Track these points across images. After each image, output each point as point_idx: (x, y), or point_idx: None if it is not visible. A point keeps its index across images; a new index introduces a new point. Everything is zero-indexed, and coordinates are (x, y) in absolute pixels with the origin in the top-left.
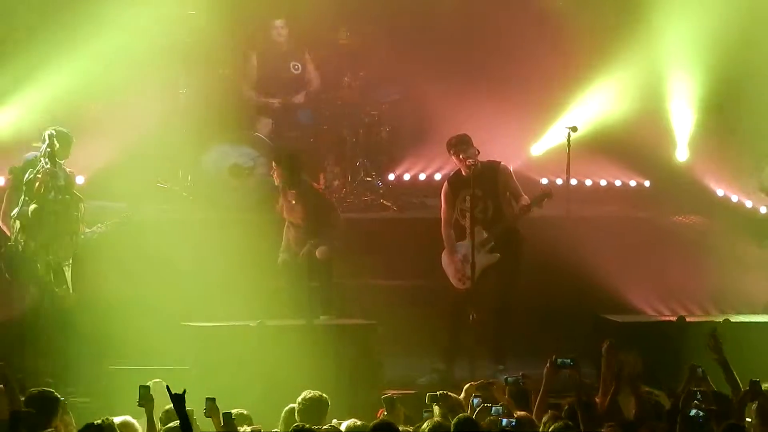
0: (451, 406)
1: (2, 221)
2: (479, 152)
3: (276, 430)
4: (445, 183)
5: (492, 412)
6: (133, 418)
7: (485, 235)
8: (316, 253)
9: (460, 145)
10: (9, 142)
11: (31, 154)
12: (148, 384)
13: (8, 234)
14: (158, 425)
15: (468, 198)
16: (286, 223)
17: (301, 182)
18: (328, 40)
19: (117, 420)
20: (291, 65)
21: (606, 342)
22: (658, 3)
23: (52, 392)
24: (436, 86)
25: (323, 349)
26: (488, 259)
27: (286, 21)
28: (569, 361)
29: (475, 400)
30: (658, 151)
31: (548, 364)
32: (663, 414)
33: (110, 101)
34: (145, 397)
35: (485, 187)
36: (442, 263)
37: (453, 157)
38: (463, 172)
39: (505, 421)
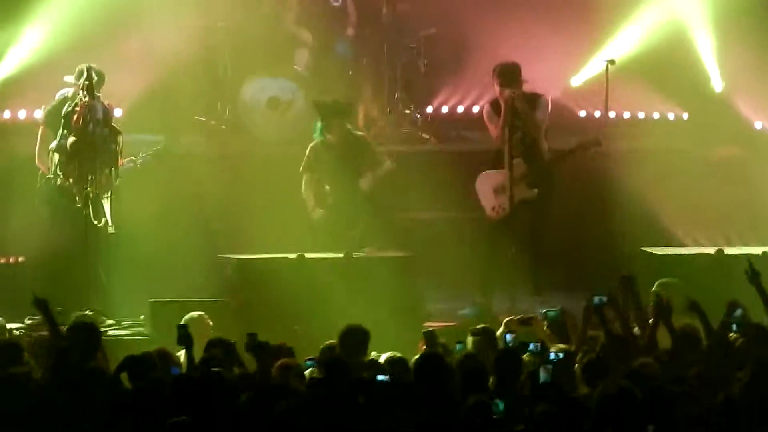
0: (489, 341)
1: (39, 158)
2: (523, 84)
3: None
4: (487, 105)
5: (530, 348)
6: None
7: (524, 167)
8: (360, 183)
9: (504, 75)
10: (41, 73)
11: (64, 91)
12: (184, 323)
13: (45, 171)
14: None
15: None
16: (307, 182)
17: (337, 126)
18: None
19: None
20: None
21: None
22: None
23: (93, 323)
24: (474, 18)
25: (363, 281)
26: (525, 193)
27: None
28: (604, 298)
29: (508, 336)
30: (695, 82)
31: (585, 303)
32: (700, 346)
33: (146, 34)
34: (184, 337)
35: (524, 118)
36: (477, 189)
37: (495, 84)
38: (503, 107)
39: (508, 337)
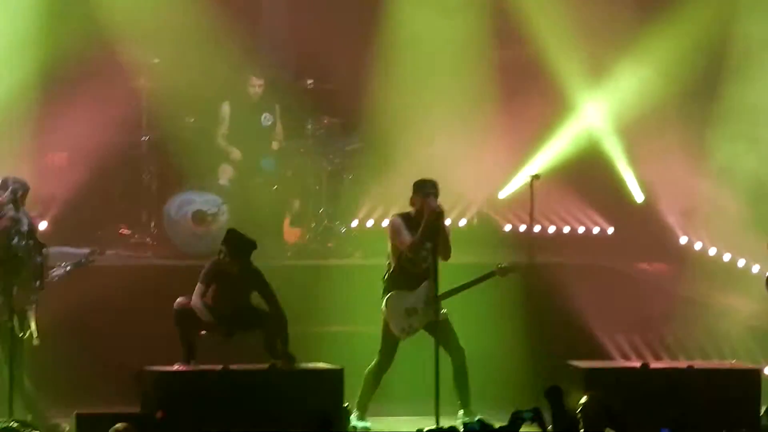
0: None
1: None
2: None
3: None
4: (397, 218)
5: None
6: None
7: (434, 289)
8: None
9: (432, 188)
10: None
11: None
12: None
13: None
14: None
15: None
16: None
17: (241, 260)
18: (294, 88)
19: None
20: (263, 116)
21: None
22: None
23: None
24: (400, 132)
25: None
26: (435, 315)
27: (264, 79)
28: (530, 413)
29: None
30: (619, 195)
31: (510, 419)
32: None
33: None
34: None
35: (430, 236)
36: (385, 310)
37: (417, 197)
38: (426, 216)
39: None
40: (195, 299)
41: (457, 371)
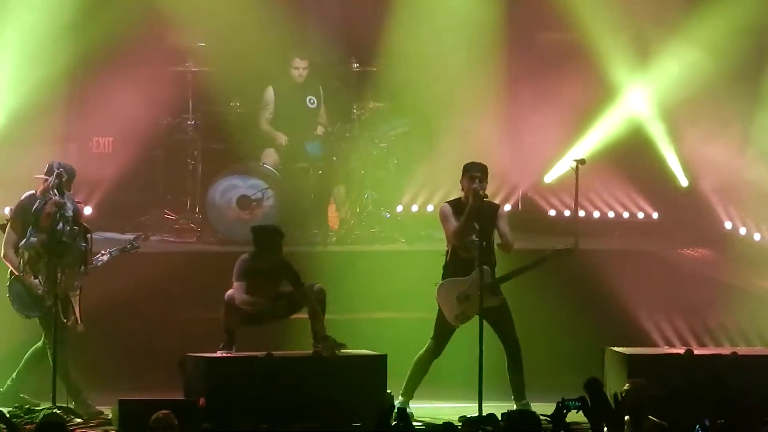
0: None
1: (5, 253)
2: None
3: None
4: (446, 205)
5: None
6: None
7: (489, 275)
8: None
9: (478, 172)
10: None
11: (29, 193)
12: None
13: (11, 267)
14: None
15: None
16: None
17: (274, 251)
18: (339, 72)
19: None
20: (307, 99)
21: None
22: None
23: (61, 422)
24: (446, 117)
25: (332, 379)
26: (490, 301)
27: (308, 61)
28: (576, 402)
29: None
30: (663, 180)
31: (556, 406)
32: None
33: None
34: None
35: (483, 223)
36: (438, 299)
37: (464, 180)
38: (470, 200)
39: None
40: (239, 296)
41: (511, 362)
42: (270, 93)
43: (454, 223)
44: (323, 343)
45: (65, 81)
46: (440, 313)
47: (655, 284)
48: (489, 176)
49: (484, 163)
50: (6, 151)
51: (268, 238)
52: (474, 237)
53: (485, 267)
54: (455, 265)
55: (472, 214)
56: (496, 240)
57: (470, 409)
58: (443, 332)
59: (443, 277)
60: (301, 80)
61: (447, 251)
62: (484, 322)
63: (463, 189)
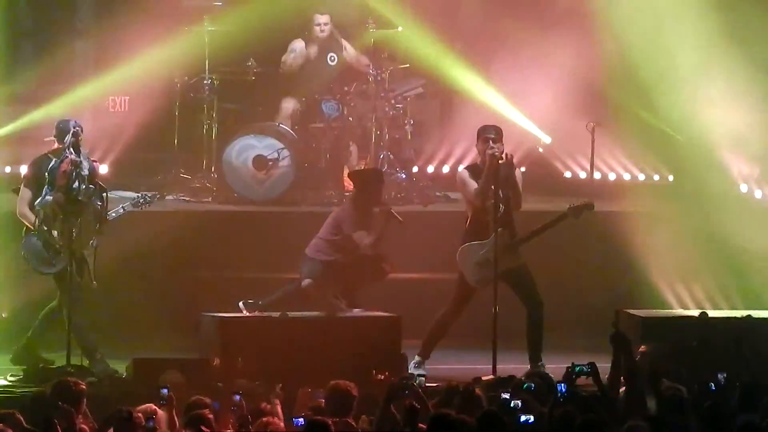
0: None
1: (21, 211)
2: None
3: None
4: (464, 169)
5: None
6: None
7: (507, 237)
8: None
9: (493, 133)
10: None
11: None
12: (166, 386)
13: (28, 224)
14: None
15: None
16: None
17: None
18: (357, 33)
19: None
20: (328, 56)
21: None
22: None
23: (75, 384)
24: (461, 78)
25: (347, 340)
26: (510, 263)
27: (329, 16)
28: (586, 367)
29: None
30: (680, 144)
31: (566, 370)
32: (685, 408)
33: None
34: (166, 398)
35: (501, 185)
36: (459, 262)
37: (479, 143)
38: (486, 161)
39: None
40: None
41: (532, 323)
42: (300, 43)
43: (473, 185)
44: (335, 304)
45: (81, 40)
46: (461, 276)
47: (670, 247)
48: (503, 137)
49: (496, 125)
50: (21, 109)
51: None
52: (492, 199)
53: (502, 229)
54: (476, 229)
55: (489, 176)
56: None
57: (484, 370)
58: (463, 296)
59: (462, 242)
60: (324, 36)
61: (467, 217)
62: (512, 282)
63: (479, 152)
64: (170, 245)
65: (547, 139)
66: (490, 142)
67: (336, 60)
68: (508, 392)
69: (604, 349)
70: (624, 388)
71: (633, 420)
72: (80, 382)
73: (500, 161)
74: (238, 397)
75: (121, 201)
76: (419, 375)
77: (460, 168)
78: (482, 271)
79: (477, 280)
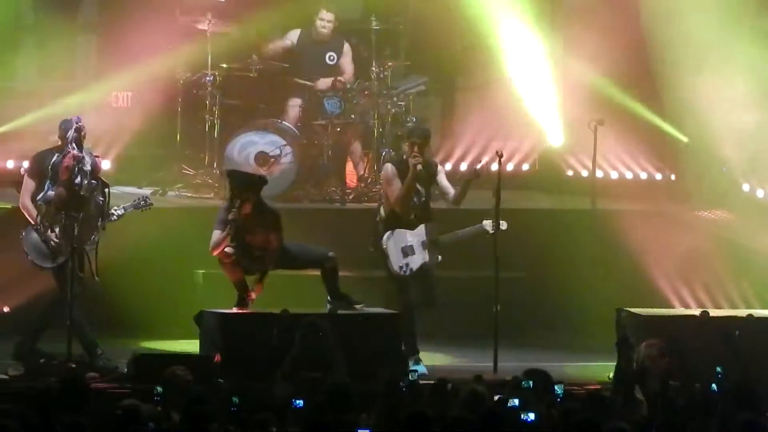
0: None
1: (23, 202)
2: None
3: None
4: (390, 166)
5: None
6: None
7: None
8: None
9: (418, 138)
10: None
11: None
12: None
13: (29, 218)
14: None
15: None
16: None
17: (248, 200)
18: (360, 30)
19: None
20: (327, 55)
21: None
22: None
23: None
24: (463, 76)
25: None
26: (431, 258)
27: (334, 15)
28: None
29: None
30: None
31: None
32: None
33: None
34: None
35: (423, 185)
36: (386, 246)
37: (406, 146)
38: (409, 165)
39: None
40: (216, 241)
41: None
42: (295, 33)
43: (397, 186)
44: (338, 301)
45: (82, 35)
46: (387, 268)
47: (672, 246)
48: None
49: (427, 127)
50: (23, 104)
51: (245, 181)
52: (414, 199)
53: (430, 224)
54: (391, 221)
55: (411, 184)
56: (442, 196)
57: (485, 368)
58: (404, 284)
59: (377, 233)
60: (325, 33)
61: (379, 206)
62: (420, 276)
63: (404, 153)
64: (172, 241)
65: (557, 141)
66: (416, 147)
67: (336, 60)
68: (507, 391)
69: (605, 349)
70: (626, 390)
71: (615, 422)
72: (85, 377)
73: (420, 168)
74: None
75: (123, 197)
76: (420, 373)
77: (389, 165)
78: (405, 259)
79: (400, 267)
